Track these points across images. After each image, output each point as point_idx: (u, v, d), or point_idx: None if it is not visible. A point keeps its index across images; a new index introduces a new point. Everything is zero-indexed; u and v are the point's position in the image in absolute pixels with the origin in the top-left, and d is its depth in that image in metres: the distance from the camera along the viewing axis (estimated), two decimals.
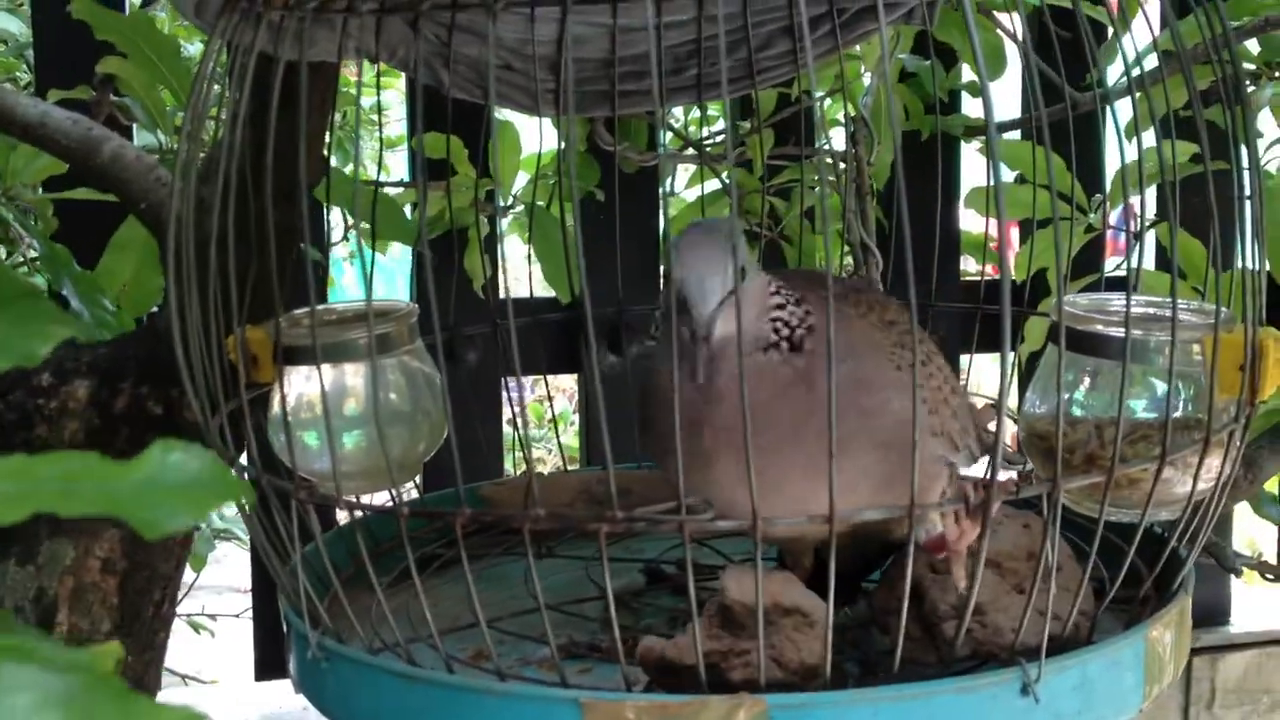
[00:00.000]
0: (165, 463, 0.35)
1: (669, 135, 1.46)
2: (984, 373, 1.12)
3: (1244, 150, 0.82)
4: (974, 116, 1.61)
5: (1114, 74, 1.32)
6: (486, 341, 1.15)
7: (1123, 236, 1.72)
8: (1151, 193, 1.57)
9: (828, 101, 1.50)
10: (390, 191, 1.39)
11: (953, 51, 1.48)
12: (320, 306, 1.03)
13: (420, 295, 1.34)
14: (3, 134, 1.19)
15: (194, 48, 1.61)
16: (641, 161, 1.43)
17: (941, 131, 1.24)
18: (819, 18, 0.96)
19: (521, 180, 1.47)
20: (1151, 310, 0.88)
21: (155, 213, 1.11)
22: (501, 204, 1.44)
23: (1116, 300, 0.88)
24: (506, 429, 1.61)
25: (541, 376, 1.31)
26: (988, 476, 0.70)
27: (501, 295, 1.38)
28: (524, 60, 0.95)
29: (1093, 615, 0.80)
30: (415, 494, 1.10)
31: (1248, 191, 0.81)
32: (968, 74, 1.57)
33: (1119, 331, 0.80)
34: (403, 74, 1.29)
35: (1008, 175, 1.40)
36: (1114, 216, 1.54)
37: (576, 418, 2.07)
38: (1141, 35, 1.07)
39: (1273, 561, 1.45)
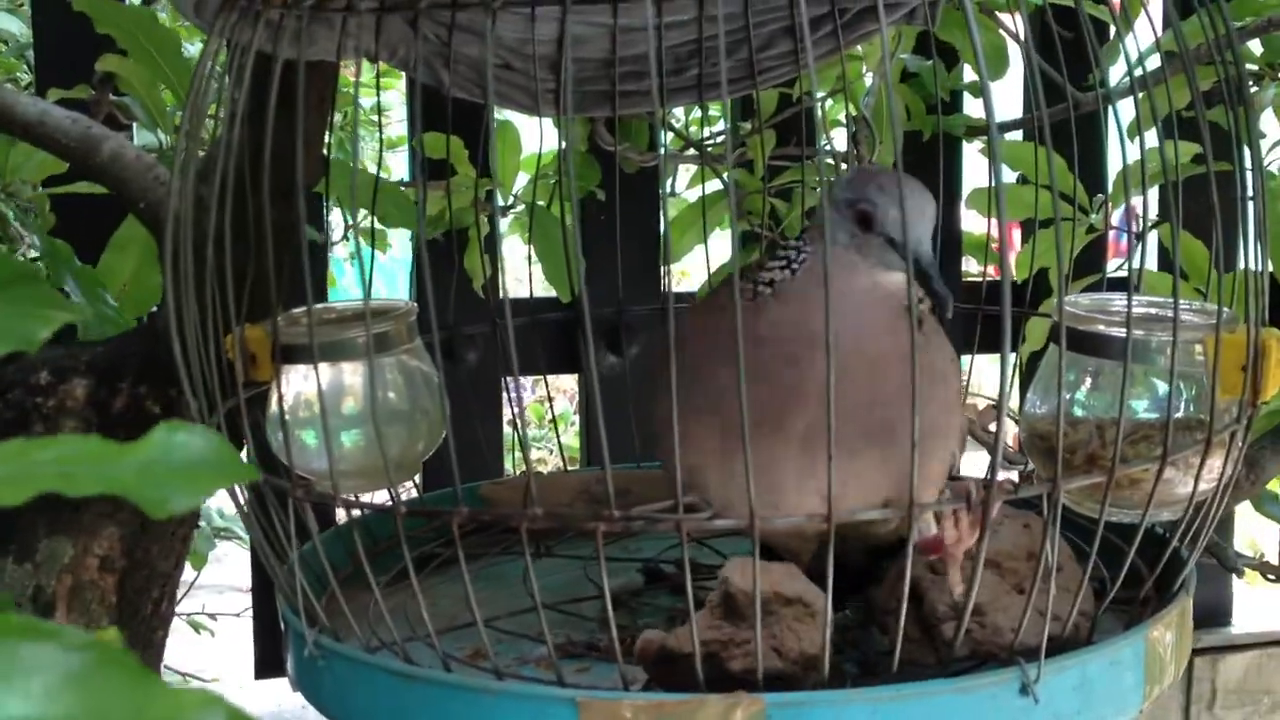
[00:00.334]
0: (170, 443, 0.35)
1: (670, 135, 1.46)
2: (985, 373, 1.11)
3: (1247, 151, 0.82)
4: (976, 117, 1.61)
5: (1116, 74, 1.32)
6: (486, 341, 1.15)
7: (1124, 237, 1.72)
8: (1154, 193, 1.57)
9: (829, 102, 1.49)
10: None
11: (955, 51, 1.47)
12: (319, 305, 1.03)
13: (420, 294, 1.34)
14: (3, 133, 1.19)
15: (195, 48, 1.61)
16: (642, 162, 1.43)
17: (943, 132, 1.24)
18: (820, 18, 0.96)
19: (522, 180, 1.47)
20: (1153, 310, 0.88)
21: (154, 212, 1.11)
22: (501, 204, 1.44)
23: (1118, 300, 0.88)
24: (507, 429, 1.60)
25: (541, 377, 1.31)
26: (988, 476, 0.70)
27: (501, 295, 1.37)
28: (524, 60, 0.94)
29: (1093, 616, 0.80)
30: (415, 493, 1.09)
31: (1250, 192, 0.81)
32: (969, 74, 1.56)
33: (1120, 331, 0.80)
34: (403, 75, 1.29)
35: (1009, 175, 1.40)
36: (1116, 217, 1.53)
37: (577, 418, 2.06)
38: (1144, 35, 1.07)
39: (1274, 562, 1.44)
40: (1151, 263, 1.63)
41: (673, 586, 0.97)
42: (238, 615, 2.04)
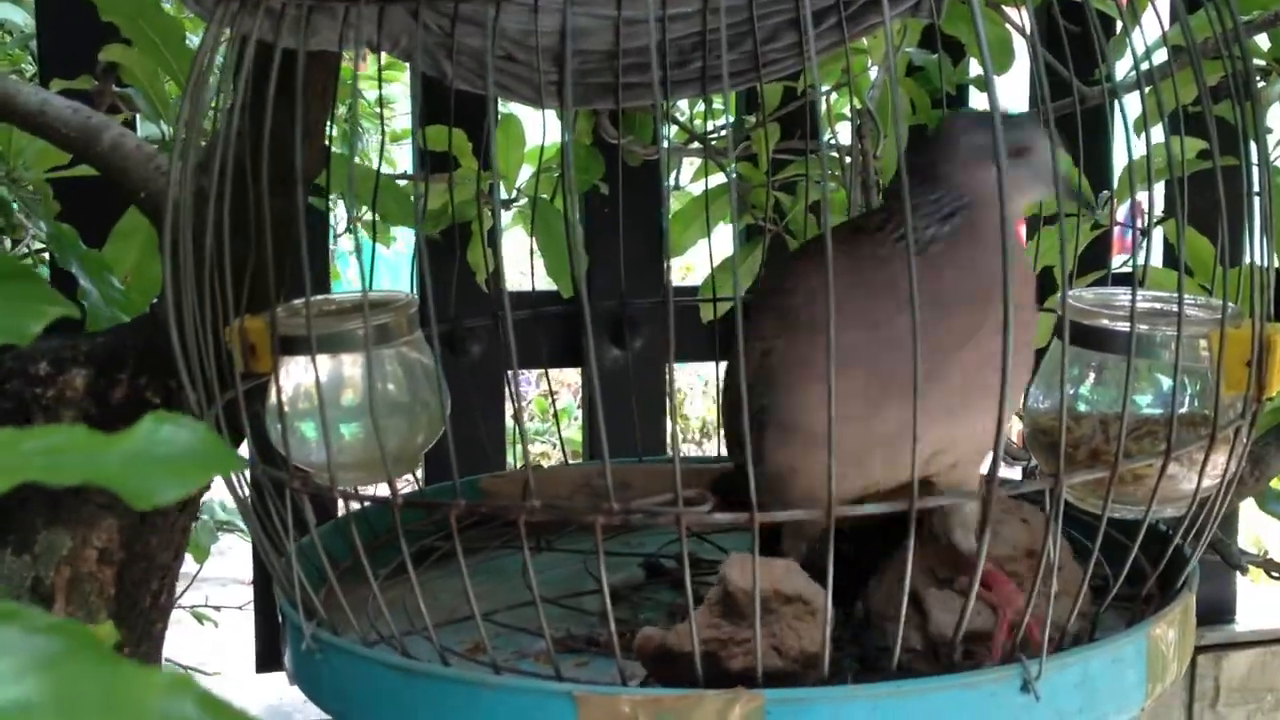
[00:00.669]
0: (156, 435, 0.35)
1: (673, 129, 1.46)
2: None
3: (1254, 146, 0.82)
4: (981, 111, 1.60)
5: (1122, 68, 1.31)
6: (489, 334, 1.14)
7: (1130, 233, 1.72)
8: (1159, 189, 1.56)
9: (834, 95, 1.49)
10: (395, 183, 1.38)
11: (960, 45, 1.47)
12: (319, 297, 1.02)
13: (420, 287, 1.34)
14: (4, 122, 1.18)
15: (199, 38, 1.60)
16: (646, 155, 1.42)
17: None
18: (825, 10, 0.95)
19: (526, 173, 1.47)
20: (1158, 305, 0.88)
21: (155, 202, 1.10)
22: (504, 197, 1.43)
23: (1122, 295, 0.88)
24: (509, 422, 1.60)
25: (544, 370, 1.31)
26: (990, 472, 0.69)
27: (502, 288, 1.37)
28: (527, 52, 0.94)
29: (1093, 614, 0.79)
30: (416, 487, 1.09)
31: (1256, 188, 0.81)
32: (975, 68, 1.56)
33: (1125, 326, 0.80)
34: (408, 67, 1.28)
35: None
36: (1121, 213, 1.53)
37: (580, 412, 2.06)
38: (1151, 29, 1.06)
39: (1278, 559, 1.44)
40: (1157, 258, 1.63)
41: (673, 581, 0.96)
42: (240, 608, 2.04)
